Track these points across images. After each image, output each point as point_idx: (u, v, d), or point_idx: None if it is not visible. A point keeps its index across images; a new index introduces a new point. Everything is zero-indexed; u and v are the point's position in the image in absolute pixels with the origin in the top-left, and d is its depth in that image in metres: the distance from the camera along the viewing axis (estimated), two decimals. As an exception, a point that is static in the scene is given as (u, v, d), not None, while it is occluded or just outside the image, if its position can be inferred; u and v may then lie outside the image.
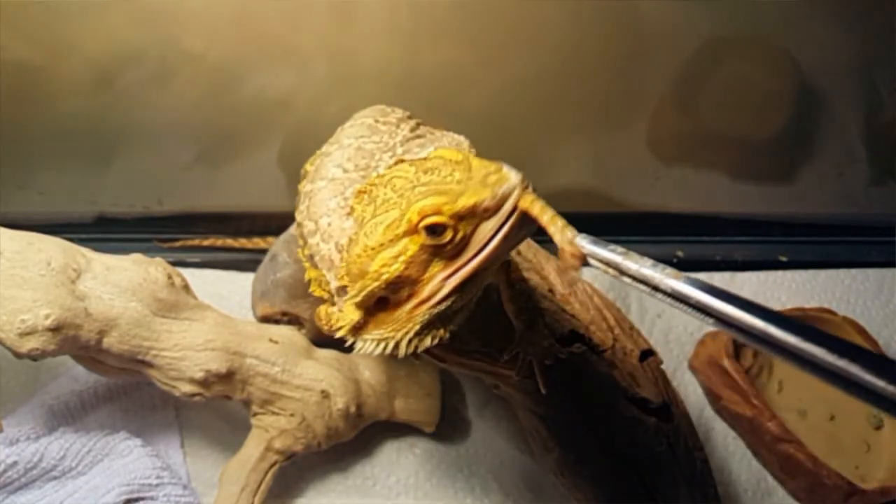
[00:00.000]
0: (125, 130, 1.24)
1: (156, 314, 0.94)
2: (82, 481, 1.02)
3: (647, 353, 0.99)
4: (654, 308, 1.28)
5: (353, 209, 0.75)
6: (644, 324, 1.26)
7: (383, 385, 1.07)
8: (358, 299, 0.69)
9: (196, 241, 1.33)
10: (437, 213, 0.64)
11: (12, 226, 0.94)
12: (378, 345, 0.71)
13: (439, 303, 0.67)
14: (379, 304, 0.69)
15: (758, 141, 1.33)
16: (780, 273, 1.35)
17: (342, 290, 0.74)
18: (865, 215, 1.40)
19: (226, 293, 1.27)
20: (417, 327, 0.68)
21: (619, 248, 0.58)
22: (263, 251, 1.23)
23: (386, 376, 1.08)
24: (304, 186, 0.88)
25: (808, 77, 1.25)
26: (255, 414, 1.01)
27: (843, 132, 1.30)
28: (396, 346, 0.70)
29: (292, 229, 1.13)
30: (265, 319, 1.12)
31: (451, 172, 0.66)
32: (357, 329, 0.71)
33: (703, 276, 1.32)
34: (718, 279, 1.33)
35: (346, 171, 0.82)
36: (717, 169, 1.35)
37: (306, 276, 0.85)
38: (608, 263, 0.58)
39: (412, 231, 0.65)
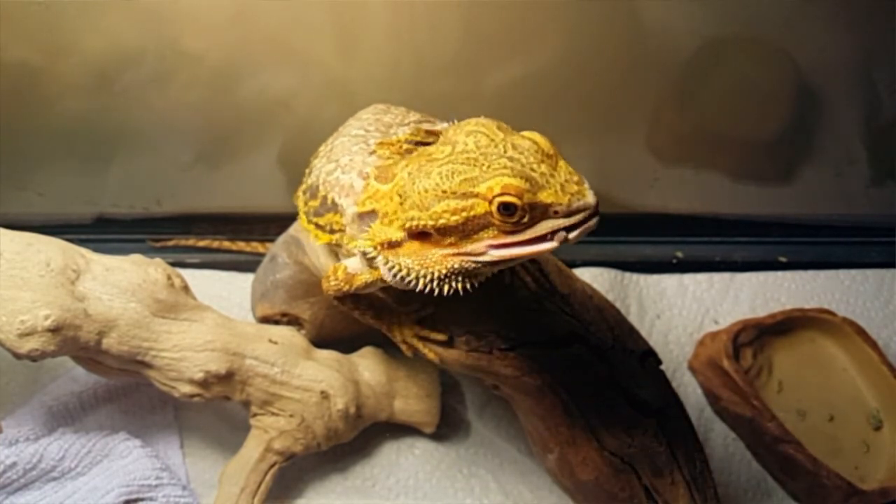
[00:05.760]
0: (124, 131, 1.24)
1: (155, 315, 0.94)
2: (82, 482, 1.02)
3: (647, 354, 0.99)
4: (654, 309, 1.28)
5: (375, 150, 0.80)
6: (644, 325, 1.25)
7: (383, 386, 1.07)
8: (406, 226, 0.73)
9: (190, 242, 1.33)
10: (518, 195, 0.68)
11: (12, 226, 0.94)
12: (400, 270, 0.75)
13: (474, 262, 0.72)
14: (420, 235, 0.73)
15: (757, 141, 1.33)
16: (779, 274, 1.35)
17: (365, 215, 0.79)
18: (865, 216, 1.40)
19: (225, 294, 1.27)
20: (444, 272, 0.73)
21: None
22: (262, 255, 1.23)
23: (386, 377, 1.08)
24: (319, 153, 0.92)
25: (807, 77, 1.25)
26: (255, 415, 1.01)
27: (843, 132, 1.30)
28: (416, 279, 0.74)
29: (291, 230, 1.13)
30: (265, 320, 1.12)
31: (539, 162, 0.71)
32: (390, 247, 0.75)
33: (702, 276, 1.33)
34: (718, 279, 1.34)
35: (367, 130, 0.88)
36: (717, 169, 1.35)
37: (303, 224, 0.92)
38: None
39: (486, 198, 0.69)
